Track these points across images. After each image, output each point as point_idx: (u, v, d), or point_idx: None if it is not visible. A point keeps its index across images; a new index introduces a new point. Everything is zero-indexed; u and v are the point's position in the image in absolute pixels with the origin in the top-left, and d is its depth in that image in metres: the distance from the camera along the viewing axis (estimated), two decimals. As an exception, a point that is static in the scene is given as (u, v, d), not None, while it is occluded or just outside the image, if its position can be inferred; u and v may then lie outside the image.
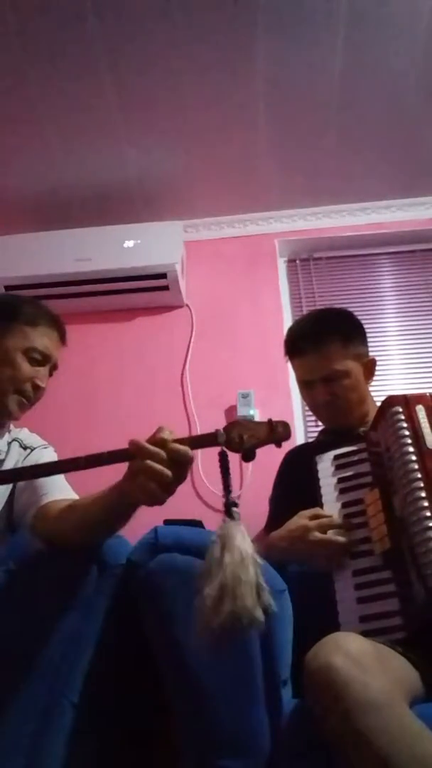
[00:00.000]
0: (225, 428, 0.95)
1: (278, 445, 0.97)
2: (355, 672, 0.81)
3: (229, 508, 0.90)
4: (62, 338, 1.37)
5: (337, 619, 1.09)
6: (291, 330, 1.54)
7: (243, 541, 0.86)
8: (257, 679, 0.97)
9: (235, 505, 0.90)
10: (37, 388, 1.29)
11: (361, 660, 0.84)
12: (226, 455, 0.93)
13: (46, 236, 2.46)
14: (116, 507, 1.00)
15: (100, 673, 1.06)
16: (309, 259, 2.69)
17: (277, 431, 0.95)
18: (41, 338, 1.30)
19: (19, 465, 1.29)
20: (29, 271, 2.39)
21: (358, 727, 0.77)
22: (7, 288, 2.37)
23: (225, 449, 0.93)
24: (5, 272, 2.39)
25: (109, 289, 2.44)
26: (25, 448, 1.33)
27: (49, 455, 1.34)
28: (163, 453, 0.88)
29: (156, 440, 0.89)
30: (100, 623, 1.07)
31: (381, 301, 2.56)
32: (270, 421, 0.96)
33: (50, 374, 1.34)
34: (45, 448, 1.35)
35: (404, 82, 2.04)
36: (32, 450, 1.33)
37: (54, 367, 1.35)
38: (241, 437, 0.94)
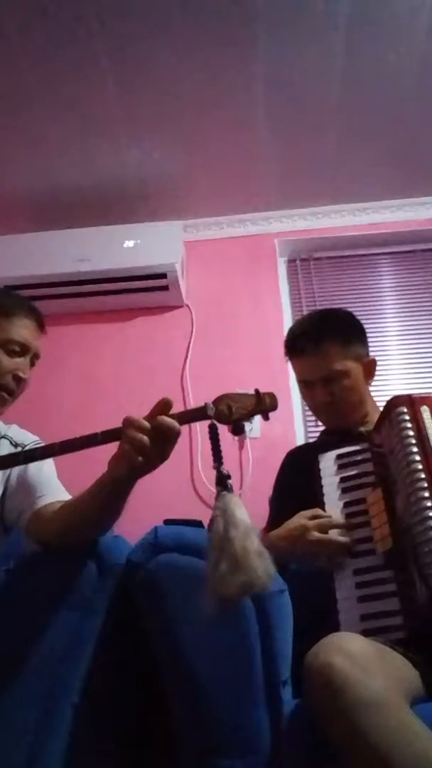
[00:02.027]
0: (214, 401, 0.97)
1: (265, 416, 0.99)
2: (355, 671, 0.81)
3: (224, 479, 0.92)
4: (40, 326, 1.32)
5: (337, 619, 1.09)
6: (291, 330, 1.54)
7: (243, 512, 0.89)
8: (257, 679, 0.97)
9: (229, 476, 0.93)
10: (19, 380, 1.26)
11: (361, 660, 0.84)
12: (216, 428, 0.96)
13: (46, 236, 2.46)
14: (107, 491, 1.01)
15: (100, 674, 1.06)
16: (309, 259, 2.69)
17: (265, 401, 0.98)
18: (18, 329, 1.26)
19: None
20: (29, 271, 2.39)
21: (358, 726, 0.77)
22: (7, 288, 2.36)
23: (215, 422, 0.95)
24: (5, 272, 2.39)
25: (109, 289, 2.44)
26: (16, 445, 1.30)
27: None
28: (146, 423, 0.92)
29: (148, 415, 0.93)
30: (100, 623, 1.07)
31: (381, 301, 2.55)
32: (257, 392, 0.98)
33: (32, 364, 1.30)
34: (37, 444, 1.33)
35: (404, 82, 2.04)
36: (23, 447, 1.31)
37: (35, 356, 1.31)
38: (229, 408, 0.97)
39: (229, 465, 2.50)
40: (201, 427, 2.24)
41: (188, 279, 2.58)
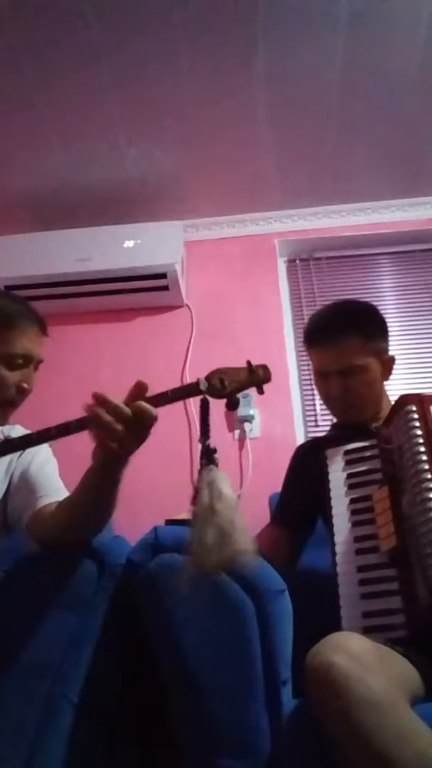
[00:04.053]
0: (206, 376, 0.97)
1: (260, 389, 0.98)
2: (356, 670, 0.81)
3: (210, 453, 0.93)
4: (42, 331, 1.27)
5: (337, 619, 1.09)
6: (313, 319, 1.50)
7: (228, 487, 0.90)
8: (257, 679, 0.97)
9: (215, 451, 0.93)
10: (23, 392, 1.23)
11: (361, 659, 0.84)
12: (208, 402, 0.96)
13: (46, 236, 2.46)
14: (95, 481, 1.01)
15: (100, 673, 1.06)
16: (309, 259, 2.68)
17: (257, 373, 0.97)
18: (20, 340, 1.20)
19: (13, 464, 1.27)
20: (29, 271, 2.39)
21: (359, 725, 0.77)
22: (7, 288, 2.37)
23: (207, 397, 0.96)
24: (5, 272, 2.39)
25: (109, 289, 2.44)
26: None
27: (45, 450, 1.32)
28: (121, 407, 0.91)
29: (126, 400, 0.92)
30: (100, 623, 1.07)
31: (381, 301, 2.55)
32: (249, 364, 0.97)
33: (36, 369, 1.27)
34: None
35: (404, 82, 2.03)
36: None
37: (39, 362, 1.27)
38: (222, 382, 0.96)
39: (229, 465, 2.52)
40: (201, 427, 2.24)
41: (188, 279, 2.58)
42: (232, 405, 0.97)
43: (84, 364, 2.47)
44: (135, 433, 0.92)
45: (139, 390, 0.94)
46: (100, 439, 0.93)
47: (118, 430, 0.90)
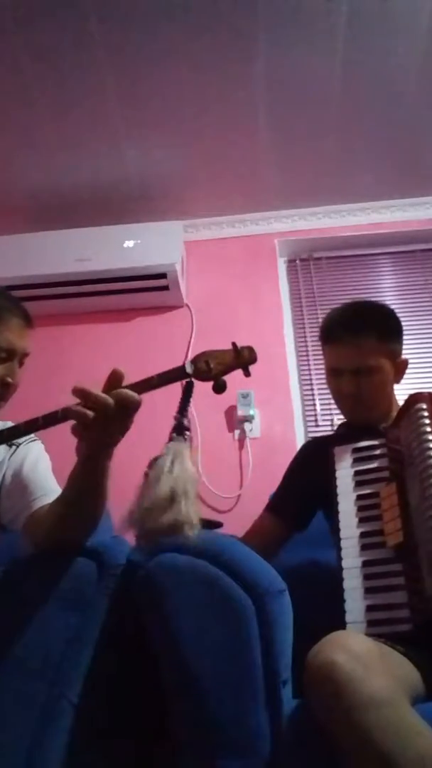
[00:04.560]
0: (192, 359, 0.97)
1: (246, 371, 0.97)
2: (357, 669, 0.81)
3: (182, 429, 0.94)
4: (27, 324, 1.25)
5: (337, 618, 1.09)
6: (330, 316, 1.50)
7: (190, 459, 0.91)
8: (257, 679, 0.97)
9: (188, 429, 0.94)
10: (7, 386, 1.22)
11: (363, 658, 0.84)
12: (192, 384, 0.96)
13: (46, 236, 2.46)
14: (83, 474, 1.01)
15: (100, 673, 1.06)
16: (309, 259, 2.69)
17: (243, 355, 0.97)
18: (3, 333, 1.19)
19: (5, 463, 1.25)
20: (29, 271, 2.40)
21: (360, 724, 0.77)
22: (7, 288, 2.35)
23: (192, 380, 0.96)
24: (5, 272, 2.39)
25: (109, 289, 2.44)
26: (10, 445, 1.27)
27: (37, 448, 1.30)
28: (93, 393, 0.90)
29: (103, 389, 0.92)
30: (100, 623, 1.07)
31: (381, 301, 2.55)
32: (234, 345, 0.97)
33: (21, 364, 1.25)
34: (32, 441, 1.31)
35: (404, 82, 2.04)
36: (18, 446, 1.28)
37: (24, 356, 1.25)
38: (208, 365, 0.96)
39: (229, 465, 2.52)
40: (200, 429, 2.24)
41: (188, 279, 2.58)
42: (219, 388, 0.96)
43: (84, 364, 2.46)
44: (119, 422, 0.91)
45: (114, 378, 0.93)
46: (77, 432, 0.92)
47: (87, 417, 0.89)
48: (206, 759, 0.94)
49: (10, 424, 1.31)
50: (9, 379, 1.22)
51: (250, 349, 0.97)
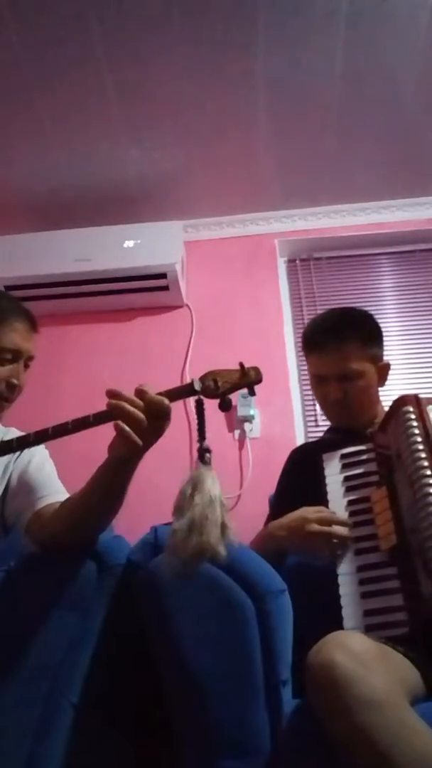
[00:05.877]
0: (200, 377, 1.00)
1: (251, 390, 1.01)
2: (357, 669, 0.81)
3: (203, 453, 0.96)
4: (32, 327, 1.28)
5: (337, 619, 1.09)
6: (312, 324, 1.53)
7: (213, 484, 0.93)
8: (257, 679, 0.97)
9: (209, 451, 0.96)
10: (13, 387, 1.24)
11: (363, 658, 0.84)
12: (203, 403, 0.99)
13: (46, 236, 2.46)
14: (111, 475, 1.02)
15: (100, 673, 1.06)
16: (309, 259, 2.69)
17: (249, 375, 1.00)
18: (8, 335, 1.23)
19: (11, 465, 1.26)
20: (29, 271, 2.39)
21: (360, 723, 0.77)
22: (7, 288, 2.37)
23: (202, 398, 0.99)
24: (5, 272, 2.39)
25: (109, 289, 2.44)
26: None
27: (40, 452, 1.31)
28: (138, 400, 0.94)
29: (136, 392, 0.95)
30: (100, 623, 1.07)
31: (381, 301, 2.55)
32: (242, 366, 1.00)
33: (26, 366, 1.28)
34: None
35: (404, 82, 2.04)
36: (22, 451, 1.28)
37: (29, 359, 1.28)
38: (215, 383, 0.99)
39: (229, 465, 2.52)
40: (201, 427, 2.24)
41: (188, 279, 2.58)
42: (225, 406, 0.99)
43: (84, 364, 2.47)
44: (154, 425, 0.95)
45: (139, 394, 0.97)
46: (123, 432, 0.94)
47: (142, 420, 0.93)
48: (206, 758, 0.94)
49: (13, 429, 1.33)
50: (14, 381, 1.24)
51: (257, 370, 1.01)
